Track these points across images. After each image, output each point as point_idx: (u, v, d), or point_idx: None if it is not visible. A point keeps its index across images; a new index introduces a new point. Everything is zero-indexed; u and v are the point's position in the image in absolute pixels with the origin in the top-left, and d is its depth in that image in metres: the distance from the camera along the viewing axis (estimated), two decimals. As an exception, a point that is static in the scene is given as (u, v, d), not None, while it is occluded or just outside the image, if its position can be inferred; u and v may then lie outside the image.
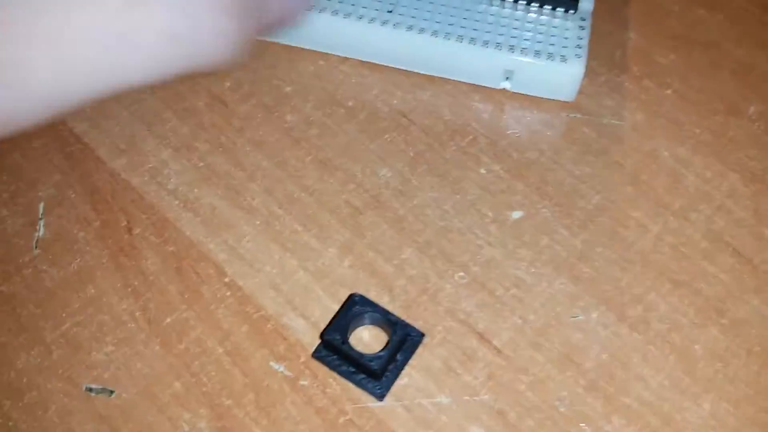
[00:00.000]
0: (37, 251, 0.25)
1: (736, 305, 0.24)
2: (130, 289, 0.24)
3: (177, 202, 0.26)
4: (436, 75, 0.29)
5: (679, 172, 0.27)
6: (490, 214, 0.26)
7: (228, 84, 0.29)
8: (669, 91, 0.29)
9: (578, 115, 0.28)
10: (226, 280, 0.25)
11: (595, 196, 0.27)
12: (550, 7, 0.28)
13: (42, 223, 0.26)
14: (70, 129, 0.28)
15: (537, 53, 0.27)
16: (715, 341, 0.24)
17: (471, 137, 0.28)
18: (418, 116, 0.28)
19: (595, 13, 0.29)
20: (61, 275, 0.25)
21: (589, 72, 0.29)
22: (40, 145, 0.27)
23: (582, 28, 0.28)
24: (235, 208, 0.26)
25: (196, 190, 0.26)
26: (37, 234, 0.25)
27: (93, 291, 0.24)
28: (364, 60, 0.30)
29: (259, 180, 0.27)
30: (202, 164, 0.27)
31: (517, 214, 0.26)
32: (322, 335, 0.23)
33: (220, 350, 0.23)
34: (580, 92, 0.28)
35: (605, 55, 0.30)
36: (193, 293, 0.24)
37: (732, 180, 0.27)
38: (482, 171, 0.27)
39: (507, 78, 0.28)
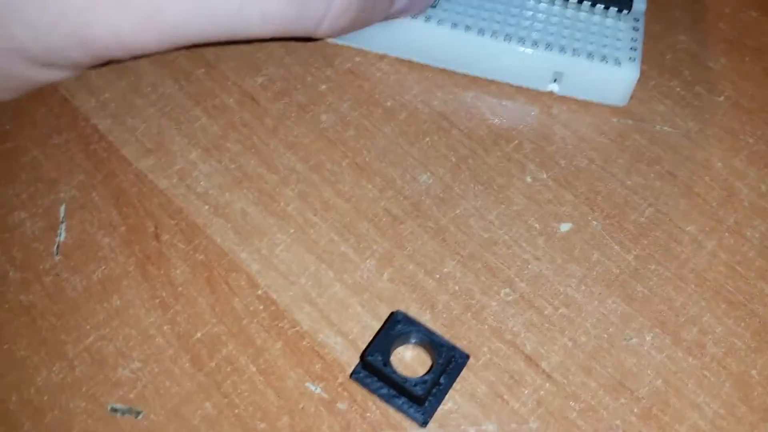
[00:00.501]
0: (58, 258, 0.24)
1: (796, 329, 0.23)
2: (157, 301, 0.23)
3: (207, 207, 0.25)
4: (480, 76, 0.28)
5: (734, 185, 0.26)
6: (537, 225, 0.25)
7: (260, 80, 0.28)
8: (721, 98, 0.28)
9: (629, 121, 0.27)
10: (259, 292, 0.23)
11: (648, 208, 0.25)
12: (602, 6, 0.27)
13: (63, 227, 0.24)
14: (94, 125, 0.26)
15: (589, 55, 0.26)
16: (775, 368, 0.23)
17: (516, 142, 0.26)
18: (461, 119, 0.27)
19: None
20: (84, 284, 0.23)
21: (641, 76, 0.27)
22: (61, 142, 0.26)
23: (636, 29, 0.26)
24: (267, 214, 0.25)
25: (227, 194, 0.25)
26: (58, 239, 0.24)
27: (118, 302, 0.23)
28: (403, 58, 0.28)
29: (294, 184, 0.25)
30: (233, 166, 0.26)
31: (565, 227, 0.25)
32: (362, 356, 0.22)
33: (253, 369, 0.22)
34: (631, 96, 0.27)
35: (655, 58, 0.29)
36: (224, 306, 0.23)
37: (789, 194, 0.26)
38: (528, 179, 0.26)
39: (555, 80, 0.27)
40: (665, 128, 0.27)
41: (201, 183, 0.25)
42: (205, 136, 0.26)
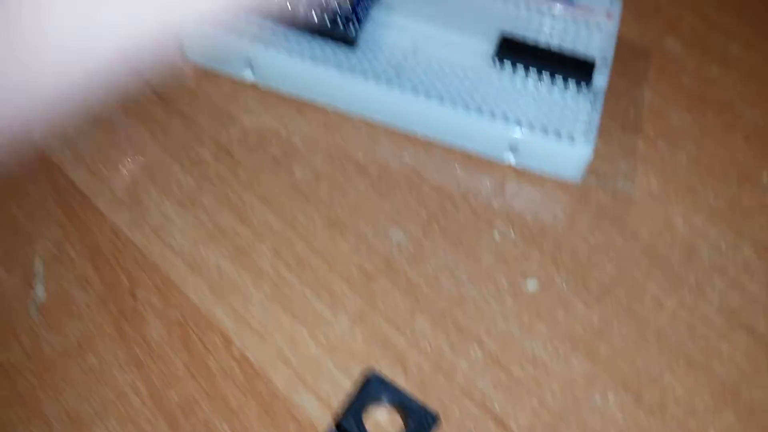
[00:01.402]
0: (35, 315, 0.24)
1: (751, 388, 0.24)
2: (133, 360, 0.23)
3: (182, 263, 0.25)
4: (443, 140, 0.28)
5: (694, 243, 0.27)
6: (505, 283, 0.26)
7: (235, 133, 0.28)
8: (683, 155, 0.29)
9: (592, 179, 0.28)
10: (234, 352, 0.24)
11: (611, 266, 0.26)
12: (561, 78, 0.27)
13: (40, 282, 0.24)
14: (66, 176, 0.26)
15: (544, 129, 0.26)
16: (730, 428, 0.24)
17: (483, 200, 0.27)
18: (431, 174, 0.28)
19: (611, 68, 0.28)
20: (61, 342, 0.23)
21: (603, 131, 0.28)
22: (36, 196, 0.26)
23: (594, 105, 0.27)
24: (242, 270, 0.25)
25: (201, 250, 0.25)
26: (35, 296, 0.24)
27: (95, 361, 0.23)
28: (373, 119, 0.29)
29: (268, 240, 0.26)
30: (208, 220, 0.26)
31: (532, 285, 0.26)
32: (336, 422, 0.22)
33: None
34: (595, 153, 0.28)
35: (619, 113, 0.30)
36: (199, 365, 0.23)
37: (746, 253, 0.27)
38: (496, 236, 0.26)
39: (512, 151, 0.27)
40: (628, 185, 0.28)
41: (176, 238, 0.26)
42: (180, 189, 0.27)
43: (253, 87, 0.29)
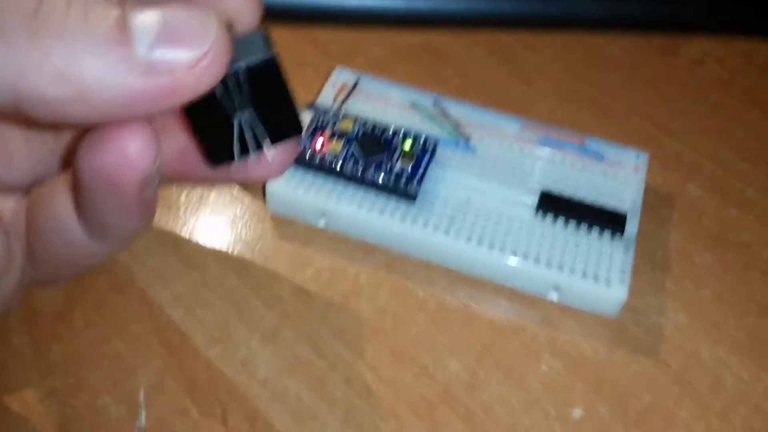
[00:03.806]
0: (141, 440, 0.27)
1: None
2: (228, 481, 0.27)
3: (266, 392, 0.29)
4: (493, 279, 0.32)
5: (719, 373, 0.30)
6: (553, 411, 0.29)
7: (309, 272, 0.32)
8: (707, 292, 0.32)
9: (627, 314, 0.31)
10: (316, 474, 0.27)
11: (646, 395, 0.29)
12: (598, 229, 0.31)
13: (143, 412, 0.28)
14: (168, 316, 0.30)
15: (584, 274, 0.30)
16: None
17: (531, 333, 0.31)
18: (483, 310, 0.31)
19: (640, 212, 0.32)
20: (165, 465, 0.27)
21: (635, 271, 0.32)
22: (139, 331, 0.30)
23: (627, 252, 0.31)
24: (318, 398, 0.29)
25: (283, 380, 0.29)
26: (139, 424, 0.28)
27: (194, 482, 0.26)
28: (430, 262, 0.33)
29: (340, 370, 0.29)
30: (288, 353, 0.30)
31: (578, 413, 0.29)
32: None
33: None
34: (629, 290, 0.31)
35: (649, 254, 0.33)
36: (285, 486, 0.26)
37: (766, 381, 0.30)
38: (544, 367, 0.30)
39: (555, 290, 0.31)
40: (659, 321, 0.31)
41: (261, 370, 0.29)
42: (263, 325, 0.30)
43: (325, 231, 0.33)
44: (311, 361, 0.30)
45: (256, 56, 0.20)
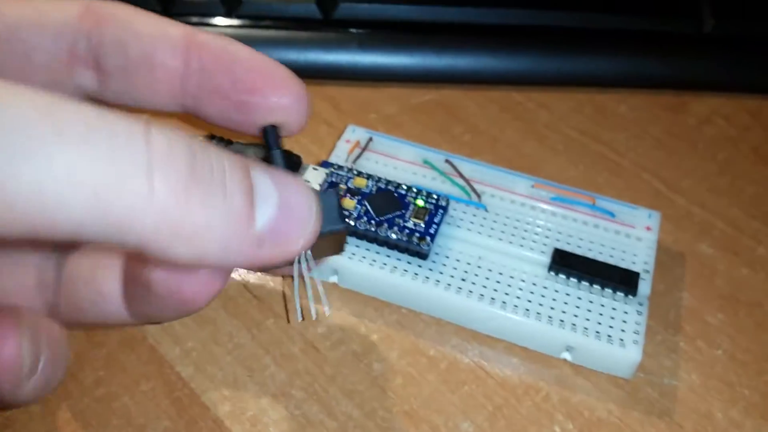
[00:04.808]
0: (149, 500, 0.27)
1: None
2: None
3: (276, 452, 0.28)
4: (505, 339, 0.32)
5: (734, 435, 0.30)
6: (565, 475, 0.28)
7: (321, 330, 0.32)
8: (719, 352, 0.32)
9: (641, 375, 0.31)
10: None
11: (661, 458, 0.29)
12: (611, 288, 0.31)
13: (153, 470, 0.28)
14: (178, 373, 0.30)
15: (597, 335, 0.30)
16: None
17: (544, 393, 0.30)
18: (494, 369, 0.31)
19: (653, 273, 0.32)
20: None
21: (648, 331, 0.31)
22: (148, 389, 0.30)
23: (640, 313, 0.31)
24: (329, 459, 0.28)
25: (293, 440, 0.29)
26: (149, 482, 0.27)
27: None
28: (442, 320, 0.32)
29: (351, 430, 0.29)
30: (298, 412, 0.29)
31: (590, 477, 0.28)
32: None
33: None
34: (643, 351, 0.31)
35: (661, 315, 0.33)
36: None
37: (782, 445, 0.30)
38: (557, 429, 0.29)
39: (568, 350, 0.31)
40: (672, 382, 0.31)
41: (270, 429, 0.29)
42: (273, 383, 0.30)
43: (336, 287, 0.33)
44: (321, 421, 0.29)
45: (333, 225, 0.24)
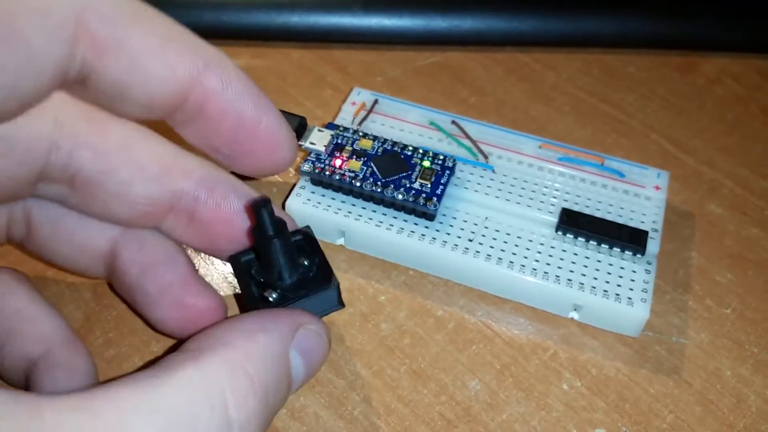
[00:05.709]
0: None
1: None
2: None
3: (284, 411, 0.28)
4: (513, 299, 0.32)
5: (742, 392, 0.30)
6: (574, 431, 0.28)
7: (328, 292, 0.32)
8: (728, 311, 0.32)
9: (650, 333, 0.31)
10: (335, 494, 0.27)
11: (669, 415, 0.29)
12: (619, 248, 0.31)
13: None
14: (186, 334, 0.30)
15: (605, 293, 0.30)
16: None
17: (552, 352, 0.30)
18: (501, 328, 0.31)
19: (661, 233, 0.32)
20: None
21: (657, 290, 0.31)
22: (158, 350, 0.30)
23: (648, 272, 0.31)
24: (337, 417, 0.28)
25: (302, 399, 0.29)
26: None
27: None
28: (449, 281, 0.32)
29: (359, 389, 0.29)
30: (306, 372, 0.29)
31: (599, 433, 0.28)
32: None
33: None
34: (651, 310, 0.31)
35: (670, 274, 0.33)
36: (305, 506, 0.26)
37: (792, 401, 0.30)
38: (565, 386, 0.30)
39: (575, 310, 0.31)
40: (681, 340, 0.31)
41: (280, 388, 0.29)
42: (282, 344, 0.30)
43: (343, 249, 0.33)
44: (330, 380, 0.29)
45: (332, 306, 0.28)
